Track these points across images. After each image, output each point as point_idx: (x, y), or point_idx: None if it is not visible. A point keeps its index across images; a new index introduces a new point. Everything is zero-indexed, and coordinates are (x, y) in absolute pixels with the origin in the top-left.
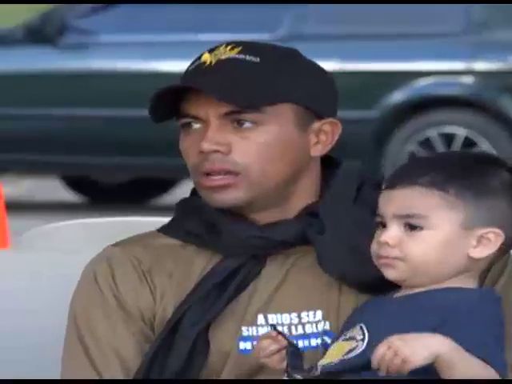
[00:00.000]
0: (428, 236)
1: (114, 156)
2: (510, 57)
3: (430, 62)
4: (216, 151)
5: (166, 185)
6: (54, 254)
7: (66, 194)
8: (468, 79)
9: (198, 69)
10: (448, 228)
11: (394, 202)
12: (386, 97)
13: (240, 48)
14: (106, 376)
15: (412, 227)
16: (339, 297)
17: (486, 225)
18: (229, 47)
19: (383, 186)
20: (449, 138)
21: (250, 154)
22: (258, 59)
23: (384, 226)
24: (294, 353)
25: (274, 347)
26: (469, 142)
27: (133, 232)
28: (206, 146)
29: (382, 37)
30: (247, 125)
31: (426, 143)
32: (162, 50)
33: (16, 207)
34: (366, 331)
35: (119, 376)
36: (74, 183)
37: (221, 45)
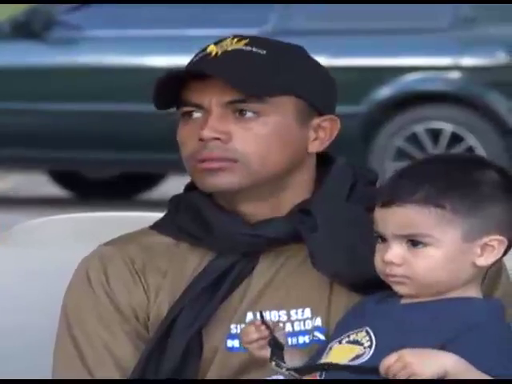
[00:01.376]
0: (431, 253)
1: (101, 151)
2: (497, 52)
3: (417, 58)
4: (216, 139)
5: (154, 180)
6: (41, 249)
7: (54, 189)
8: (455, 75)
9: (203, 59)
10: (450, 243)
11: (392, 221)
12: (373, 92)
13: (247, 40)
14: (99, 375)
15: (415, 244)
16: (330, 295)
17: (487, 233)
18: (235, 39)
19: (377, 204)
20: (436, 134)
21: (250, 144)
22: (265, 52)
23: (383, 239)
24: (275, 344)
25: (255, 335)
26: (456, 138)
27: (120, 227)
28: (207, 133)
29: (369, 32)
30: (249, 115)
31: (413, 138)
32: (149, 45)
33: (3, 202)
34: (373, 337)
35: (113, 374)
36: (61, 178)
37: (227, 37)
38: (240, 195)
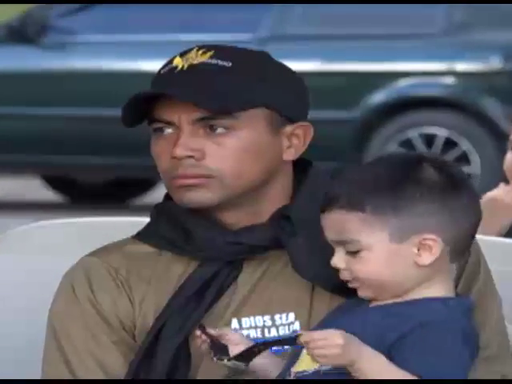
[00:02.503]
0: (367, 256)
1: (95, 156)
2: (491, 57)
3: (411, 63)
4: (189, 157)
5: (147, 185)
6: (35, 253)
7: (46, 194)
8: (449, 80)
9: (170, 73)
10: (380, 246)
11: (326, 227)
12: (367, 97)
13: (212, 52)
14: None
15: (349, 249)
16: (311, 298)
17: (418, 231)
18: (200, 51)
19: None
20: (430, 139)
21: (224, 160)
22: (230, 64)
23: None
24: (217, 345)
25: (202, 344)
26: (450, 143)
27: (113, 232)
28: (179, 151)
29: (363, 38)
30: (220, 130)
31: (407, 144)
32: (143, 50)
33: None
34: None
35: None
36: (54, 183)
37: (192, 48)
38: (219, 207)
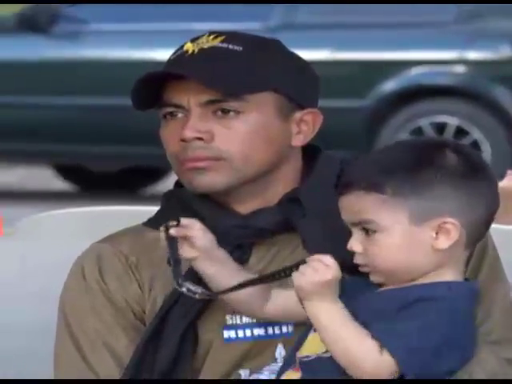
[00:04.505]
0: (384, 238)
1: (106, 145)
2: (502, 46)
3: (422, 52)
4: (198, 139)
5: (158, 174)
6: (47, 242)
7: (58, 183)
8: (460, 69)
9: (180, 57)
10: (399, 228)
11: (345, 209)
12: (378, 86)
13: (223, 37)
14: (100, 370)
15: (368, 232)
16: None
17: (438, 214)
18: (211, 36)
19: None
20: (441, 128)
21: (233, 142)
22: (241, 48)
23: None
24: (174, 260)
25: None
26: (461, 132)
27: (124, 221)
28: (188, 133)
29: (374, 26)
30: (229, 113)
31: (418, 132)
32: (154, 39)
33: (8, 196)
34: None
35: (113, 369)
36: (65, 172)
37: (204, 34)
38: (227, 192)
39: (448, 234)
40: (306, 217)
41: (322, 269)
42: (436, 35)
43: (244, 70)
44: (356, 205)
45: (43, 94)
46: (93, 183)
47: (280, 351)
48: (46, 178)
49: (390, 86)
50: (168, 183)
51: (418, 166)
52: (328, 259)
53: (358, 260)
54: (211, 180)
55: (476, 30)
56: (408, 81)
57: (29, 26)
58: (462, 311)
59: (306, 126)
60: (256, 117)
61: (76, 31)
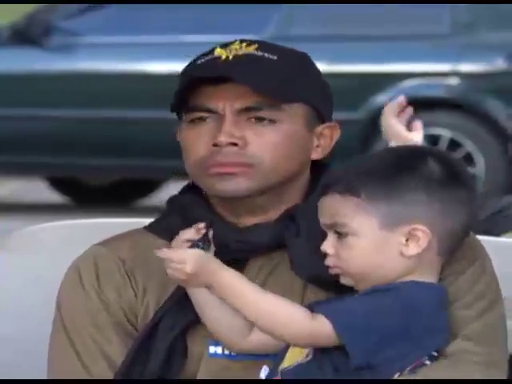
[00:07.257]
0: (355, 242)
1: (100, 157)
2: (496, 58)
3: (415, 64)
4: (232, 144)
5: (151, 186)
6: (41, 255)
7: (52, 195)
8: (454, 81)
9: (213, 62)
10: (370, 232)
11: (321, 211)
12: (373, 98)
13: (256, 45)
14: (93, 370)
15: (340, 235)
16: (302, 298)
17: (409, 221)
18: (244, 44)
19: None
20: (434, 140)
21: (265, 150)
22: (276, 57)
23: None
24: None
25: (187, 235)
26: (454, 144)
27: (117, 233)
28: (224, 138)
29: (369, 38)
30: (263, 121)
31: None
32: (148, 51)
33: (2, 208)
34: None
35: (106, 371)
36: (60, 184)
37: (233, 41)
38: (241, 203)
39: (417, 240)
40: (299, 237)
41: (178, 267)
42: (430, 48)
43: (283, 79)
44: (331, 207)
45: (36, 106)
46: (87, 195)
47: (266, 373)
48: (39, 190)
49: (384, 98)
50: (161, 195)
51: (395, 172)
52: (179, 256)
53: (328, 262)
54: (237, 185)
55: (469, 42)
56: (402, 93)
57: (22, 38)
58: (420, 301)
59: (323, 140)
60: (288, 126)
61: (70, 44)
